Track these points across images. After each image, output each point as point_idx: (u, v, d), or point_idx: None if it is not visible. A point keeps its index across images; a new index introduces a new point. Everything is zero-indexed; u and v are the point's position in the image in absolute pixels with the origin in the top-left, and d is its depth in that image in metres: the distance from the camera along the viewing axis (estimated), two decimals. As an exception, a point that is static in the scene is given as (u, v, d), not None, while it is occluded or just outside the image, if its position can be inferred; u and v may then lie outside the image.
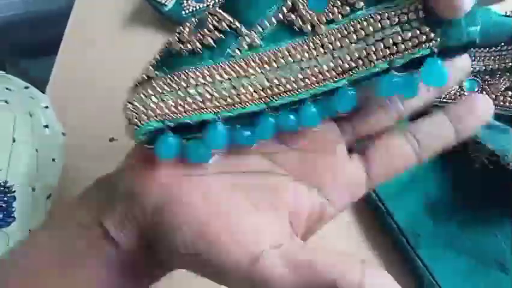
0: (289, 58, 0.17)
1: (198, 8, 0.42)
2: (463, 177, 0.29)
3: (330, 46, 0.17)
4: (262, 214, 0.17)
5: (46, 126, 0.36)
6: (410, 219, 0.29)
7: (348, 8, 0.17)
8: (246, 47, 0.17)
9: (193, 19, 0.19)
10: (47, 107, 0.38)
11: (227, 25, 0.17)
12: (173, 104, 0.17)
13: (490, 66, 0.31)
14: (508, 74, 0.31)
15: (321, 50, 0.17)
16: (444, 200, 0.29)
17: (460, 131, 0.19)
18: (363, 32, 0.17)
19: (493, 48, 0.31)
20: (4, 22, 0.60)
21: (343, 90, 0.17)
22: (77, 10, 0.45)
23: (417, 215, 0.29)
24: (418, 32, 0.16)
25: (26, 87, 0.38)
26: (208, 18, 0.18)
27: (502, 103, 0.30)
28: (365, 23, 0.17)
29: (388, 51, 0.17)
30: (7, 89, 0.34)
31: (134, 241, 0.17)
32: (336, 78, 0.17)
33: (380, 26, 0.17)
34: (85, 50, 0.43)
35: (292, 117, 0.18)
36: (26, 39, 0.64)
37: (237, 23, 0.17)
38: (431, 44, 0.16)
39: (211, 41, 0.17)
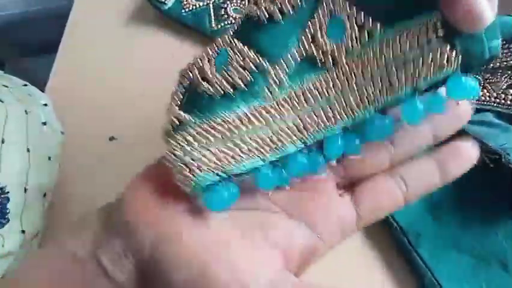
0: (317, 93, 0.17)
1: (197, 6, 0.42)
2: (464, 176, 0.29)
3: (354, 77, 0.17)
4: (258, 251, 0.18)
5: (44, 123, 0.36)
6: (411, 219, 0.29)
7: (366, 33, 0.17)
8: (275, 87, 0.17)
9: (209, 51, 0.19)
10: (46, 105, 0.38)
11: (253, 64, 0.17)
12: (222, 155, 0.17)
13: (491, 65, 0.30)
14: (509, 72, 0.30)
15: (346, 82, 0.17)
16: (445, 199, 0.29)
17: (444, 175, 0.20)
18: (383, 60, 0.16)
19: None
20: (4, 21, 0.60)
21: (378, 119, 0.17)
22: (76, 9, 0.45)
23: (418, 214, 0.29)
24: (439, 53, 0.16)
25: (25, 85, 0.37)
26: (230, 53, 0.18)
27: (503, 101, 0.30)
28: (385, 49, 0.16)
29: (411, 76, 0.16)
30: (4, 86, 0.34)
31: (131, 277, 0.17)
32: (364, 109, 0.17)
33: (399, 51, 0.16)
34: (84, 49, 0.43)
35: (322, 156, 0.18)
36: (25, 38, 0.64)
37: (261, 60, 0.17)
38: (454, 63, 0.16)
39: (242, 85, 0.17)
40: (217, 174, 0.17)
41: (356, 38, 0.17)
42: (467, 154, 0.20)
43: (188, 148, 0.17)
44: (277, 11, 0.17)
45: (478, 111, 0.30)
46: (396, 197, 0.20)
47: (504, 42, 0.30)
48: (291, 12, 0.17)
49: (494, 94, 0.30)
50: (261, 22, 0.17)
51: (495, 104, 0.30)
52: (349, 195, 0.20)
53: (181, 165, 0.17)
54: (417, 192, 0.20)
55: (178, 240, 0.17)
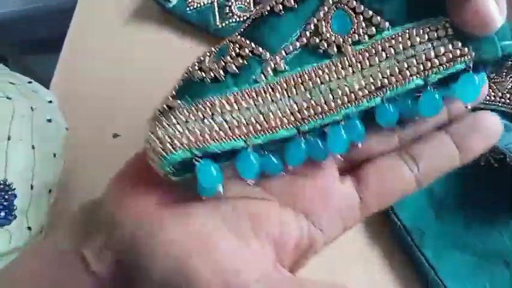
0: (317, 79, 0.16)
1: (202, 4, 0.42)
2: (468, 175, 0.29)
3: (359, 65, 0.16)
4: (245, 244, 0.16)
5: (49, 120, 0.36)
6: (415, 218, 0.29)
7: (374, 28, 0.16)
8: (271, 72, 0.17)
9: (212, 48, 0.18)
10: (51, 102, 0.38)
11: (250, 51, 0.17)
12: (199, 133, 0.16)
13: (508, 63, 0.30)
14: (514, 72, 0.30)
15: (350, 69, 0.16)
16: (449, 198, 0.29)
17: (464, 151, 0.17)
18: (392, 50, 0.16)
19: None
20: (7, 18, 0.60)
21: (383, 107, 0.16)
22: (81, 6, 0.45)
23: (422, 213, 0.29)
24: (451, 46, 0.16)
25: (29, 82, 0.38)
26: (230, 46, 0.17)
27: (508, 101, 0.30)
28: (393, 41, 0.16)
29: (422, 67, 0.16)
30: (11, 83, 0.34)
31: (112, 272, 0.16)
32: (369, 97, 0.16)
33: (409, 43, 0.16)
34: (89, 46, 0.43)
35: (320, 142, 0.17)
36: (28, 36, 0.64)
37: (260, 49, 0.17)
38: (465, 58, 0.16)
39: (235, 68, 0.17)
40: (191, 152, 0.16)
41: (363, 31, 0.17)
42: (490, 125, 0.17)
43: (167, 128, 0.17)
44: (279, 4, 0.17)
45: (483, 110, 0.30)
46: (405, 179, 0.17)
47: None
48: (295, 6, 0.17)
49: (499, 94, 0.30)
50: (263, 16, 0.17)
51: (500, 104, 0.30)
52: (352, 179, 0.18)
53: (156, 142, 0.16)
54: (431, 173, 0.17)
55: (157, 232, 0.16)
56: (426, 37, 0.16)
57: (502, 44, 0.16)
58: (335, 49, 0.17)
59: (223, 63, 0.17)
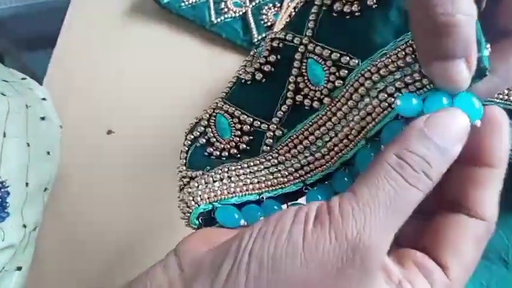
0: (312, 137, 0.18)
1: (197, 0, 0.41)
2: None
3: (341, 113, 0.18)
4: None
5: (43, 118, 0.36)
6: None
7: (345, 70, 0.18)
8: (272, 140, 0.20)
9: (207, 113, 0.22)
10: (44, 99, 0.37)
11: (249, 125, 0.20)
12: (219, 191, 0.19)
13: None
14: (512, 67, 0.30)
15: (335, 119, 0.18)
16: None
17: None
18: (364, 89, 0.17)
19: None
20: (3, 15, 0.60)
21: (362, 152, 0.17)
22: (75, 2, 0.45)
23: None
24: (418, 75, 0.15)
25: (23, 79, 0.37)
26: (229, 120, 0.21)
27: (506, 97, 0.29)
28: (364, 79, 0.17)
29: (393, 99, 0.16)
30: (4, 80, 0.33)
31: None
32: (355, 140, 0.17)
33: (379, 76, 0.16)
34: (82, 42, 0.43)
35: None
36: (23, 32, 0.64)
37: (258, 122, 0.20)
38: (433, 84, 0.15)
39: (245, 146, 0.20)
40: (212, 204, 0.19)
41: (336, 76, 0.18)
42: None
43: (191, 191, 0.20)
44: (259, 72, 0.20)
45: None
46: None
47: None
48: (273, 69, 0.20)
49: (505, 91, 0.29)
50: (246, 83, 0.20)
51: (498, 100, 0.29)
52: None
53: (183, 204, 0.20)
54: None
55: None
56: (395, 66, 0.16)
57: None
58: (318, 103, 0.19)
59: (234, 143, 0.21)
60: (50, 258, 0.34)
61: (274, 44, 0.20)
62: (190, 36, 0.42)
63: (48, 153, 0.35)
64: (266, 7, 0.41)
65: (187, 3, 0.41)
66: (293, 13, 0.21)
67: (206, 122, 0.21)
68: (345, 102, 0.17)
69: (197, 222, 0.19)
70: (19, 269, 0.30)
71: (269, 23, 0.40)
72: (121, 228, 0.34)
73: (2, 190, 0.29)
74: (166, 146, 0.37)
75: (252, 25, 0.40)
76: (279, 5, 0.41)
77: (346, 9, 0.18)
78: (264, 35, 0.40)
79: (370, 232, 0.14)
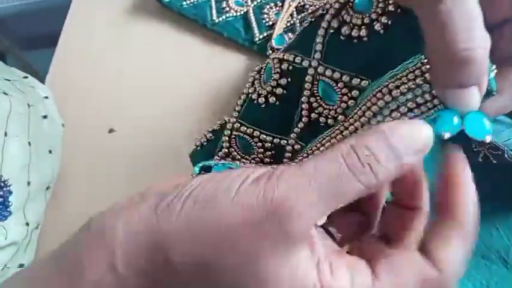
0: (322, 148, 0.19)
1: (199, -1, 0.41)
2: (466, 171, 0.29)
3: (353, 127, 0.18)
4: None
5: (45, 116, 0.36)
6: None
7: (357, 91, 0.18)
8: (290, 154, 0.21)
9: (226, 137, 0.24)
10: (46, 97, 0.38)
11: (270, 142, 0.21)
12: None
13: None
14: (514, 67, 0.30)
15: (346, 132, 0.18)
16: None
17: None
18: (377, 107, 0.17)
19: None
20: (4, 13, 0.60)
21: None
22: (77, 1, 0.45)
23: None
24: (429, 96, 0.16)
25: (25, 77, 0.37)
26: (249, 141, 0.22)
27: (507, 97, 0.29)
28: (376, 99, 0.17)
29: (406, 117, 0.17)
30: (6, 79, 0.33)
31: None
32: None
33: (391, 98, 0.17)
34: (85, 40, 0.43)
35: None
36: (25, 31, 0.64)
37: (277, 140, 0.21)
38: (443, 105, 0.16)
39: (269, 160, 0.22)
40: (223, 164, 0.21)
41: (348, 97, 0.19)
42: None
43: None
44: (272, 95, 0.21)
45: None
46: None
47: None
48: (285, 92, 0.20)
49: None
50: (260, 105, 0.21)
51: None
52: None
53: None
54: None
55: None
56: (406, 88, 0.16)
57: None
58: (332, 120, 0.19)
59: (258, 159, 0.22)
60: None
61: (284, 66, 0.20)
62: (191, 35, 0.42)
63: (50, 151, 0.35)
64: (268, 6, 0.41)
65: (188, 2, 0.41)
66: (295, 15, 0.21)
67: (228, 144, 0.23)
68: (357, 118, 0.18)
69: (197, 170, 0.20)
70: (21, 266, 0.31)
71: (270, 22, 0.40)
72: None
73: (4, 189, 0.30)
74: (167, 145, 0.37)
75: (254, 24, 0.40)
76: (280, 4, 0.41)
77: (354, 33, 0.18)
78: (265, 34, 0.40)
79: (297, 200, 0.15)
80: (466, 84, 0.15)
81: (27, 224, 0.31)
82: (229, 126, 0.24)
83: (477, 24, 0.14)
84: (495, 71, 0.16)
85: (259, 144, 0.22)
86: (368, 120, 0.18)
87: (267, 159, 0.22)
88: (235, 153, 0.23)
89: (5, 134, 0.30)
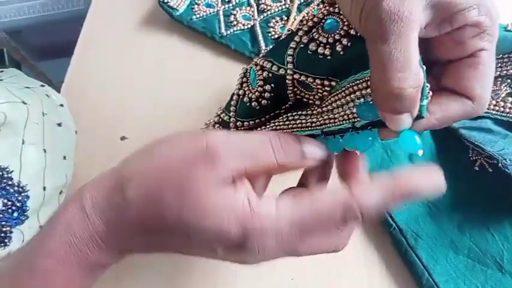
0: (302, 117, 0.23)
1: (208, 13, 0.43)
2: (463, 179, 0.30)
3: (315, 112, 0.22)
4: None
5: (59, 124, 0.37)
6: (410, 220, 0.30)
7: (328, 88, 0.22)
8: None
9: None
10: (61, 105, 0.39)
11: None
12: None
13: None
14: (509, 80, 0.31)
15: (316, 111, 0.23)
16: (444, 201, 0.30)
17: None
18: (340, 103, 0.21)
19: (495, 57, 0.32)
20: (21, 25, 0.62)
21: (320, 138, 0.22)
22: (92, 14, 0.47)
23: (417, 216, 0.30)
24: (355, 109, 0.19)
25: (42, 86, 0.39)
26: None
27: (502, 109, 0.31)
28: (336, 97, 0.21)
29: (350, 116, 0.20)
30: (27, 87, 0.35)
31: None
32: (317, 127, 0.22)
33: (350, 99, 0.20)
34: (99, 51, 0.45)
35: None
36: (40, 42, 0.66)
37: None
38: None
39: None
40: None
41: (322, 89, 0.22)
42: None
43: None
44: (263, 99, 0.24)
45: (477, 118, 0.31)
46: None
47: (504, 54, 0.31)
48: (272, 94, 0.24)
49: (494, 102, 0.31)
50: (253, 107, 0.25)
51: (494, 112, 0.31)
52: None
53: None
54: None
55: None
56: (361, 94, 0.19)
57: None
58: (313, 100, 0.23)
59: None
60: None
61: (265, 74, 0.24)
62: (200, 47, 0.43)
63: (64, 157, 0.36)
64: (273, 20, 0.43)
65: (198, 16, 0.43)
66: (303, 22, 0.23)
67: None
68: (326, 105, 0.21)
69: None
70: (36, 267, 0.32)
71: (276, 36, 0.42)
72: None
73: (22, 194, 0.31)
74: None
75: (260, 37, 0.42)
76: (285, 18, 0.43)
77: (320, 50, 0.21)
78: (271, 47, 0.41)
79: (225, 150, 0.19)
80: (399, 112, 0.17)
81: (41, 227, 0.33)
82: (232, 125, 0.26)
83: (412, 66, 0.16)
84: (429, 98, 0.18)
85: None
86: (331, 110, 0.21)
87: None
88: None
89: (23, 142, 0.31)
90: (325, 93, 0.22)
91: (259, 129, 0.25)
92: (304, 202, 0.19)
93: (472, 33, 0.18)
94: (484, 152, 0.28)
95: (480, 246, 0.28)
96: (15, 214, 0.30)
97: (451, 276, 0.27)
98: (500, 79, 0.31)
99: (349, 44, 0.20)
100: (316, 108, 0.22)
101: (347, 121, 0.20)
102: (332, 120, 0.21)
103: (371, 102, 0.19)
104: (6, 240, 0.29)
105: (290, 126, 0.23)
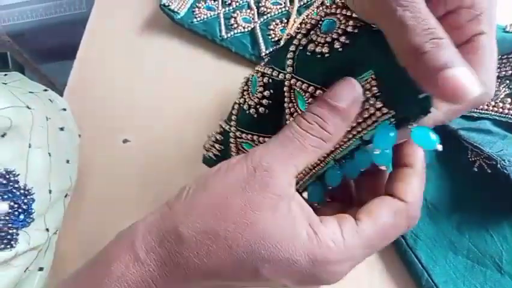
0: None
1: (208, 16, 0.44)
2: (462, 180, 0.30)
3: None
4: None
5: (62, 129, 0.38)
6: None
7: None
8: None
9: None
10: (64, 109, 0.40)
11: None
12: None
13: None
14: (508, 81, 0.31)
15: None
16: (443, 202, 0.30)
17: None
18: None
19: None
20: (24, 28, 0.63)
21: (331, 169, 0.22)
22: (94, 17, 0.47)
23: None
24: (373, 109, 0.19)
25: (45, 90, 0.40)
26: (253, 145, 0.26)
27: (501, 110, 0.31)
28: None
29: (355, 132, 0.20)
30: (31, 92, 0.36)
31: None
32: (325, 160, 0.22)
33: None
34: (101, 55, 0.45)
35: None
36: (43, 45, 0.67)
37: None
38: (386, 117, 0.19)
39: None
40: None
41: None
42: None
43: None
44: (261, 106, 0.24)
45: (476, 119, 0.31)
46: None
47: (503, 55, 0.31)
48: (270, 102, 0.24)
49: (493, 103, 0.31)
50: (251, 115, 0.25)
51: (493, 113, 0.31)
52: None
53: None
54: None
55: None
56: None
57: (419, 97, 0.17)
58: None
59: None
60: (69, 259, 0.36)
61: (265, 80, 0.24)
62: (201, 50, 0.44)
63: (67, 161, 0.37)
64: (274, 23, 0.43)
65: (199, 19, 0.43)
66: (301, 26, 0.23)
67: (235, 150, 0.26)
68: None
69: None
70: (41, 269, 0.32)
71: (276, 38, 0.42)
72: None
73: (28, 197, 0.31)
74: (177, 154, 0.39)
75: (260, 40, 0.42)
76: (285, 21, 0.43)
77: (318, 50, 0.21)
78: (271, 49, 0.42)
79: (270, 161, 0.19)
80: (450, 63, 0.15)
81: (47, 230, 0.33)
82: (232, 135, 0.26)
83: (433, 21, 0.16)
84: None
85: (259, 144, 0.25)
86: None
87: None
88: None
89: (29, 146, 0.32)
90: None
91: None
92: (368, 223, 0.19)
93: (468, 17, 0.17)
94: (483, 153, 0.29)
95: (479, 247, 0.28)
96: (22, 216, 0.31)
97: (450, 277, 0.28)
98: (499, 80, 0.32)
99: (347, 41, 0.20)
100: None
101: (354, 139, 0.20)
102: (338, 146, 0.21)
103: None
104: (12, 242, 0.29)
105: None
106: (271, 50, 0.41)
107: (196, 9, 0.44)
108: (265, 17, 0.43)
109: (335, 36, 0.20)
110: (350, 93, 0.19)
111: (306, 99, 0.22)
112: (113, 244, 0.20)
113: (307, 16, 0.42)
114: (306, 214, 0.19)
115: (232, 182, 0.19)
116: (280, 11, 0.44)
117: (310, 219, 0.19)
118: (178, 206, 0.19)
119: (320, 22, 0.22)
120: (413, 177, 0.20)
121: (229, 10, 0.44)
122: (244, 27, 0.43)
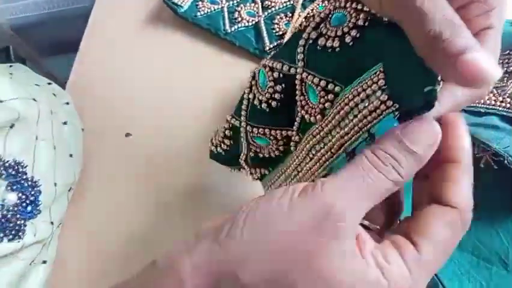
0: (308, 145, 0.23)
1: (212, 9, 0.43)
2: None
3: (328, 128, 0.21)
4: None
5: (65, 123, 0.38)
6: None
7: (332, 95, 0.21)
8: (295, 143, 0.25)
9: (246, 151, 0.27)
10: (67, 103, 0.40)
11: (281, 136, 0.25)
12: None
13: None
14: (515, 77, 0.31)
15: (323, 132, 0.22)
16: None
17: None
18: (344, 112, 0.20)
19: (501, 53, 0.31)
20: (26, 22, 0.63)
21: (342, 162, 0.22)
22: (97, 11, 0.47)
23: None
24: (379, 102, 0.19)
25: (49, 83, 0.39)
26: (267, 139, 0.25)
27: (509, 105, 0.30)
28: (343, 104, 0.20)
29: (363, 124, 0.20)
30: (36, 85, 0.36)
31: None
32: (336, 153, 0.21)
33: (354, 103, 0.20)
34: (104, 48, 0.45)
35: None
36: (45, 39, 0.67)
37: (285, 132, 0.24)
38: (390, 110, 0.18)
39: (282, 148, 0.26)
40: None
41: (325, 99, 0.21)
42: None
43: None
44: (273, 101, 0.24)
45: (483, 114, 0.31)
46: None
47: (510, 49, 0.31)
48: (282, 96, 0.23)
49: (500, 98, 0.31)
50: (263, 109, 0.25)
51: (500, 108, 0.30)
52: None
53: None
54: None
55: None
56: (365, 95, 0.19)
57: (425, 90, 0.17)
58: (314, 118, 0.22)
59: (275, 147, 0.25)
60: (71, 252, 0.36)
61: (275, 75, 0.23)
62: (205, 44, 0.44)
63: (71, 155, 0.37)
64: (278, 17, 0.43)
65: (202, 12, 0.43)
66: (303, 22, 0.22)
67: (247, 145, 0.26)
68: (330, 120, 0.21)
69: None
70: (44, 262, 0.33)
71: (280, 32, 0.42)
72: (137, 226, 0.36)
73: (35, 189, 0.31)
74: (180, 148, 0.38)
75: (264, 34, 0.42)
76: (290, 15, 0.43)
77: (328, 44, 0.21)
78: (275, 44, 0.41)
79: (343, 203, 0.17)
80: (468, 46, 0.15)
81: (52, 223, 0.33)
82: (242, 130, 0.26)
83: (447, 8, 0.15)
84: (441, 85, 0.17)
85: (272, 137, 0.25)
86: (338, 123, 0.20)
87: (281, 148, 0.25)
88: (257, 149, 0.26)
89: (36, 138, 0.32)
90: (327, 105, 0.21)
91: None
92: (429, 249, 0.17)
93: (478, 11, 0.17)
94: (490, 149, 0.28)
95: (485, 243, 0.28)
96: (29, 208, 0.31)
97: (455, 274, 0.27)
98: (506, 75, 0.31)
99: (358, 35, 0.20)
100: (321, 127, 0.22)
101: (362, 131, 0.20)
102: (346, 137, 0.20)
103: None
104: (20, 234, 0.29)
105: (314, 162, 0.22)
106: (275, 44, 0.41)
107: (200, 2, 0.44)
108: (269, 10, 0.43)
109: (345, 30, 0.20)
110: (429, 137, 0.18)
111: (317, 92, 0.21)
112: (154, 279, 0.18)
113: (312, 10, 0.42)
114: (370, 253, 0.17)
115: (301, 222, 0.17)
116: (284, 5, 0.43)
117: (374, 255, 0.17)
118: (233, 249, 0.17)
119: (330, 15, 0.21)
120: (461, 174, 0.19)
121: (233, 4, 0.44)
122: (248, 21, 0.43)
